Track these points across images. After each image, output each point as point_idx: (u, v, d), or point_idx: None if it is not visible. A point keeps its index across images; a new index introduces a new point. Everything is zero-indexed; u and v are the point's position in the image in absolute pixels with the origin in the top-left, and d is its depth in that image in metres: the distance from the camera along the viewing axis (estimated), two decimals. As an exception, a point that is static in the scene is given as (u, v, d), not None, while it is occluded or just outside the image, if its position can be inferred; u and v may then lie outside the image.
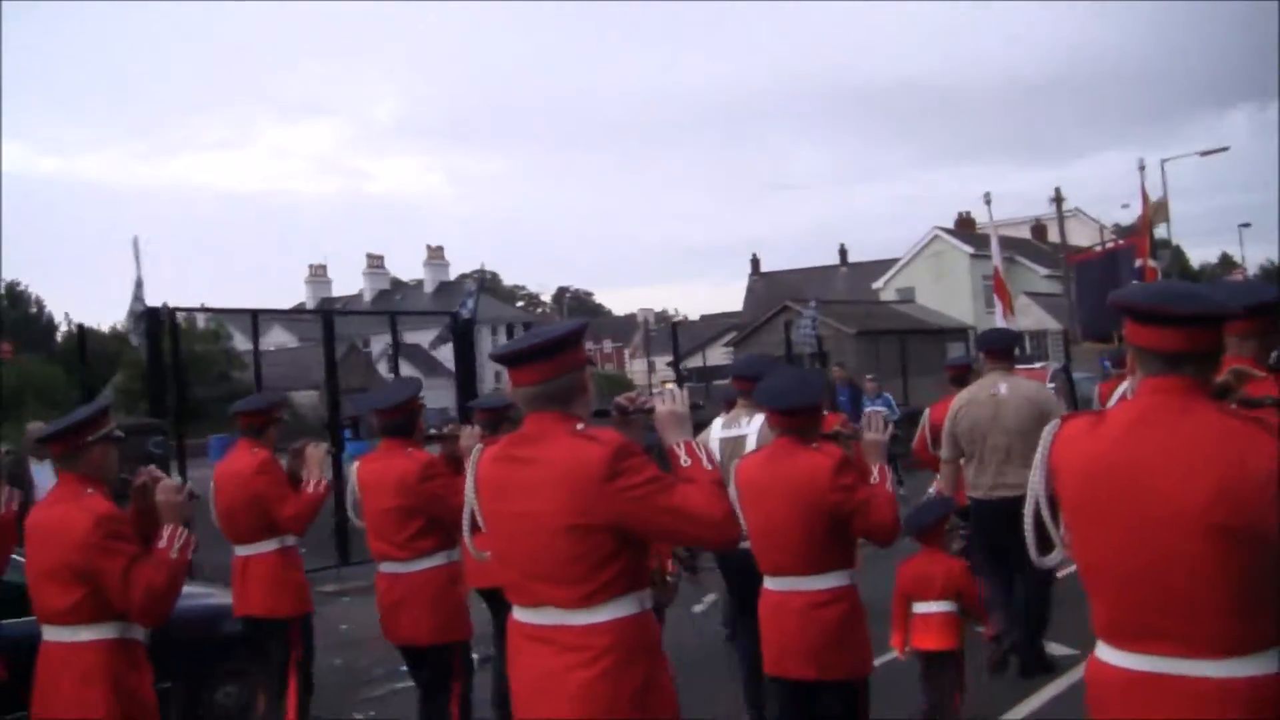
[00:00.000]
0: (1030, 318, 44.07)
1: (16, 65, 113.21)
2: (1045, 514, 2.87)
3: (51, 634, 4.05)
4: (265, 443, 6.02)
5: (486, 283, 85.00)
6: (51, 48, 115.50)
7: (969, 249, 50.09)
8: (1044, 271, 48.58)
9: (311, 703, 6.06)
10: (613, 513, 3.06)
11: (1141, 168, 15.64)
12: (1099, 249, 15.62)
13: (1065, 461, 2.78)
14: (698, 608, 7.72)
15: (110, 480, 4.26)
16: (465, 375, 14.53)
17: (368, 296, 71.03)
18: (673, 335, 27.16)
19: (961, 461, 7.69)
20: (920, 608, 5.93)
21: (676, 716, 3.23)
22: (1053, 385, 8.17)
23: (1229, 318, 2.69)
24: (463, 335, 14.88)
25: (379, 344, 64.52)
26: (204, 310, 23.85)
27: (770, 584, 4.73)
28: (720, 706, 6.44)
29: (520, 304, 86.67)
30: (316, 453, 5.98)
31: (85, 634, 3.98)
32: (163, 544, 4.06)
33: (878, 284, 53.48)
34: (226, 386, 44.12)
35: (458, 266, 73.53)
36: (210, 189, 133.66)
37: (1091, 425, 2.77)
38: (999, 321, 14.64)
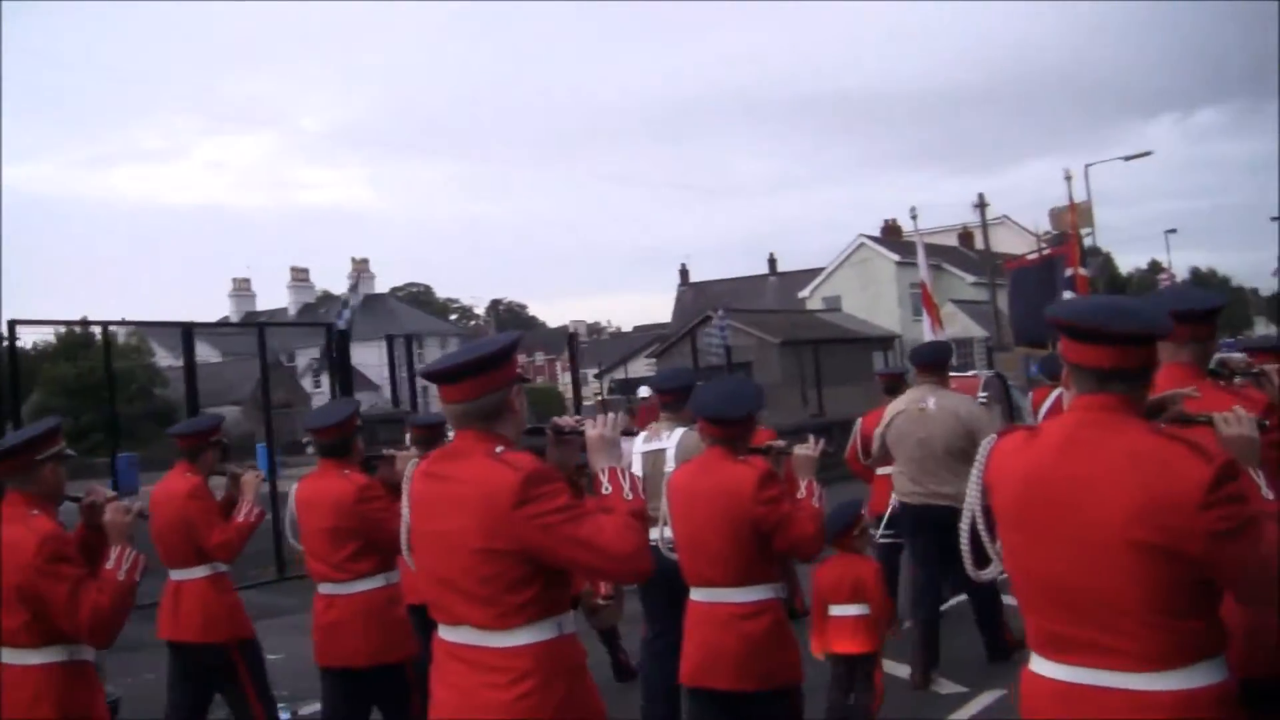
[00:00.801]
0: (956, 325, 44.50)
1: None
2: (981, 528, 2.93)
3: (4, 655, 4.06)
4: (201, 466, 5.95)
5: (419, 295, 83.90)
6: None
7: (895, 256, 50.31)
8: (971, 279, 49.16)
9: None
10: (519, 539, 3.07)
11: (1068, 177, 15.91)
12: (1033, 255, 15.57)
13: (1000, 476, 2.86)
14: None
15: (58, 499, 4.25)
16: (343, 388, 14.29)
17: (292, 310, 70.12)
18: (571, 352, 26.12)
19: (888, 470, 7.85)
20: (834, 610, 5.99)
21: None
22: (985, 394, 8.28)
23: (1159, 336, 2.74)
24: (339, 348, 14.64)
25: (304, 358, 63.80)
26: (55, 323, 22.15)
27: (696, 595, 4.75)
28: None
29: (454, 317, 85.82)
30: (253, 480, 5.93)
31: (34, 657, 3.99)
32: (110, 565, 4.06)
33: (804, 292, 53.66)
34: (147, 404, 43.26)
35: (389, 279, 72.66)
36: (144, 201, 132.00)
37: (1026, 440, 2.85)
38: (926, 332, 14.76)
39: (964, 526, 2.99)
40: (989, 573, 3.03)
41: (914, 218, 16.98)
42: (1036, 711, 2.77)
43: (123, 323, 15.28)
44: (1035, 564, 2.73)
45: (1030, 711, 2.79)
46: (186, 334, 13.20)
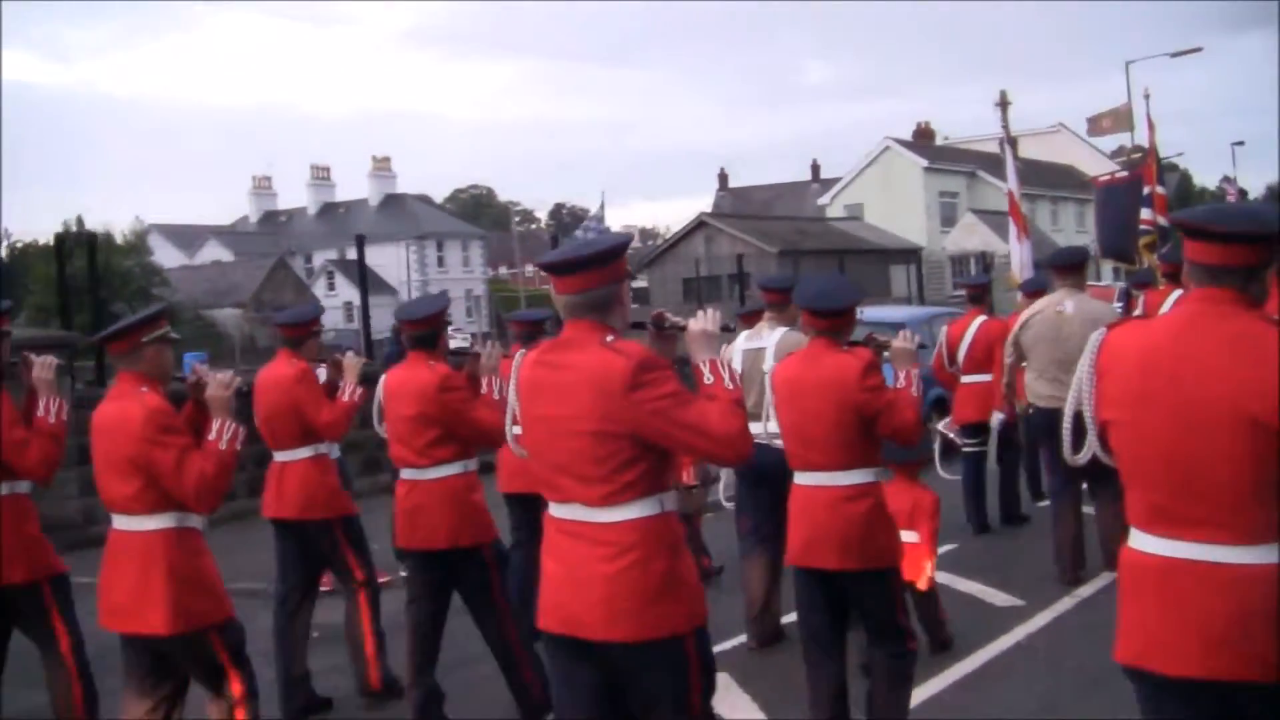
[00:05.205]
0: (976, 237, 43.42)
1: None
2: (1087, 414, 3.07)
3: (118, 522, 4.44)
4: (304, 354, 6.24)
5: (481, 198, 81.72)
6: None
7: (923, 161, 48.48)
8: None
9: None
10: (632, 421, 3.26)
11: (1146, 96, 15.07)
12: (1123, 174, 14.78)
13: (1116, 361, 2.99)
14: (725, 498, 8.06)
15: (166, 380, 4.56)
16: None
17: (312, 210, 70.03)
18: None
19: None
20: None
21: (703, 609, 3.45)
22: (1119, 304, 8.39)
23: (1263, 237, 2.86)
24: None
25: (320, 258, 63.66)
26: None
27: (801, 479, 4.94)
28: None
29: (516, 220, 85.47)
30: (354, 364, 6.21)
31: (147, 523, 4.35)
32: (212, 436, 4.39)
33: (824, 199, 51.79)
34: (145, 304, 43.12)
35: (452, 181, 71.39)
36: (207, 100, 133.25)
37: (1139, 327, 3.05)
38: (1013, 245, 14.24)
39: (1067, 412, 3.14)
40: (1082, 456, 3.16)
41: (1001, 105, 15.05)
42: (1140, 586, 2.91)
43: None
44: (1145, 437, 2.88)
45: (1134, 586, 2.94)
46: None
